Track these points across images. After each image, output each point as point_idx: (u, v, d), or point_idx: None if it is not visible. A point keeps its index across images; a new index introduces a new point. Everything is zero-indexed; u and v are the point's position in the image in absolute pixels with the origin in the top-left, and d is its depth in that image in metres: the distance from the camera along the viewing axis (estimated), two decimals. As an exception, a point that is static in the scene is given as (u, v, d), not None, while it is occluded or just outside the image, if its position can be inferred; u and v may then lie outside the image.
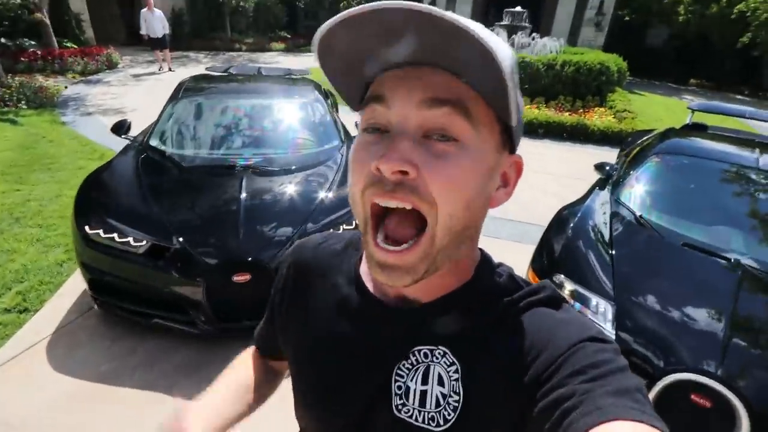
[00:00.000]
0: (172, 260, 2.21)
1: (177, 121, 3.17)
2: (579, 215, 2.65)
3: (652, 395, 1.80)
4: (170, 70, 10.71)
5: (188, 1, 15.79)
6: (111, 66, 10.66)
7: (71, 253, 3.10)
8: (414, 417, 0.48)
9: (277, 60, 13.48)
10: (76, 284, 2.81)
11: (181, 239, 2.23)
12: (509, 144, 0.46)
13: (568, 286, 2.24)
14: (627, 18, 16.97)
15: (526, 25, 10.81)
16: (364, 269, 0.56)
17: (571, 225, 2.57)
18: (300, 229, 2.38)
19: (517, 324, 0.47)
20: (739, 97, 14.04)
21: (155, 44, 10.47)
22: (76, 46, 10.84)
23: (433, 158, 0.40)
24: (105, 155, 5.04)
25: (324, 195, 2.65)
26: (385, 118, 0.42)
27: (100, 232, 2.26)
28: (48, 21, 9.76)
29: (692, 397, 1.76)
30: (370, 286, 0.54)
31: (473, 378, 0.47)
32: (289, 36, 17.20)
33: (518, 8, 10.83)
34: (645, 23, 16.78)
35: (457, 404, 0.46)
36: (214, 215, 2.44)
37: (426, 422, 0.47)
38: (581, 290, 2.19)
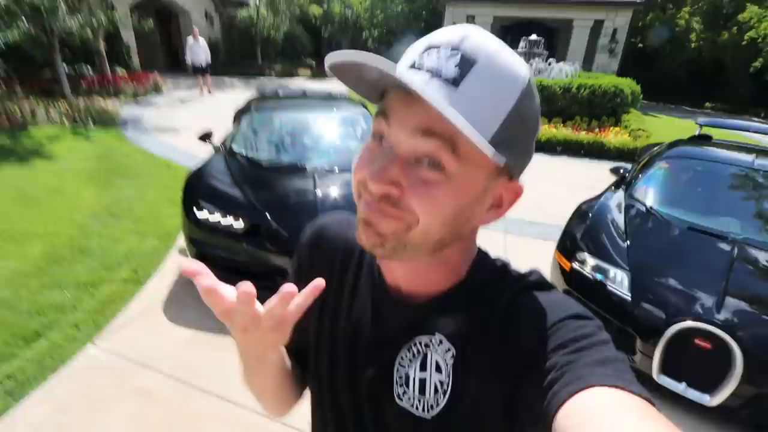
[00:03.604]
0: (266, 237, 2.75)
1: (251, 131, 3.78)
2: (597, 207, 3.13)
3: (662, 341, 2.23)
4: (209, 92, 11.62)
5: (223, 32, 17.03)
6: (157, 90, 11.62)
7: (163, 240, 3.69)
8: (414, 406, 0.50)
9: (306, 85, 14.30)
10: (172, 264, 3.38)
11: (272, 221, 2.78)
12: (507, 172, 0.46)
13: (591, 261, 2.71)
14: (640, 45, 17.51)
15: (543, 51, 11.41)
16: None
17: (591, 215, 3.05)
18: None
19: (507, 307, 0.48)
20: (755, 119, 14.26)
21: (198, 70, 11.42)
22: (125, 72, 11.85)
23: (420, 183, 0.42)
24: (170, 166, 5.71)
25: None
26: (386, 134, 0.44)
27: (207, 214, 2.83)
28: (103, 50, 10.77)
29: (696, 341, 2.19)
30: (387, 277, 0.56)
31: (464, 363, 0.48)
32: (315, 63, 18.25)
33: (534, 36, 11.46)
34: (657, 50, 17.27)
35: (448, 389, 0.49)
36: (296, 203, 3.00)
37: (426, 410, 0.50)
38: (602, 264, 2.65)
